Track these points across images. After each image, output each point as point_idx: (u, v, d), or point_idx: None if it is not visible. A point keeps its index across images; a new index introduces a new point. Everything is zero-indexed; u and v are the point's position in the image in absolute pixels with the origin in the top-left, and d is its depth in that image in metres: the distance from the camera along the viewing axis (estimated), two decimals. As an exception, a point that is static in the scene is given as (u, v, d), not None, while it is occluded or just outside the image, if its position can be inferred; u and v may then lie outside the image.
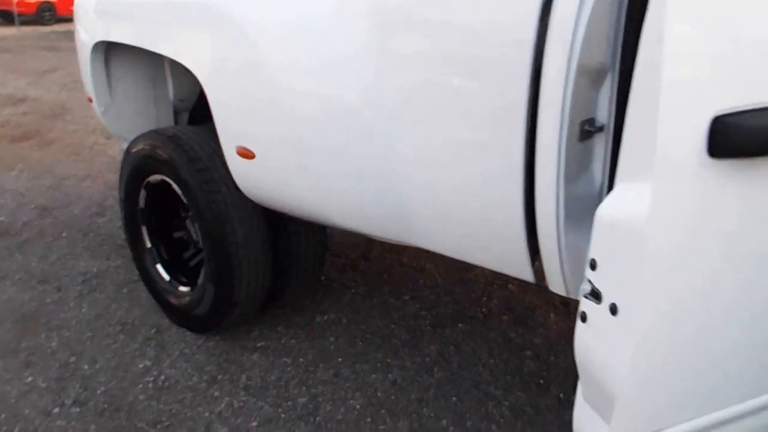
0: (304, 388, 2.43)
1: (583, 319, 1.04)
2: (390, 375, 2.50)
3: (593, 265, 1.00)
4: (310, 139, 1.98)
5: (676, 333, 0.99)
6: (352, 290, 3.10)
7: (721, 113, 0.91)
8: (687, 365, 1.04)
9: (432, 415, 2.30)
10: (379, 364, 2.56)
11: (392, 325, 2.81)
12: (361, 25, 1.81)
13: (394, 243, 2.27)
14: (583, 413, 1.13)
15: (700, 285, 0.99)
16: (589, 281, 1.02)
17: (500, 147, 1.57)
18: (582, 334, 1.06)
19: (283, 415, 2.29)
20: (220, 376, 2.48)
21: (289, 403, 2.35)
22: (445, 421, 2.28)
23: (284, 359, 2.58)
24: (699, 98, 0.91)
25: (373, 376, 2.49)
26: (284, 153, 2.05)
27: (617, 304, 0.96)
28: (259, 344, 2.67)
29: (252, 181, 2.21)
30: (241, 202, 2.34)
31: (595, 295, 1.01)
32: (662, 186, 0.91)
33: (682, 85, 0.90)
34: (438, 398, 2.39)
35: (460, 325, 2.83)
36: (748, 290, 1.04)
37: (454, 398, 2.39)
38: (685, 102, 0.90)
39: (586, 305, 1.03)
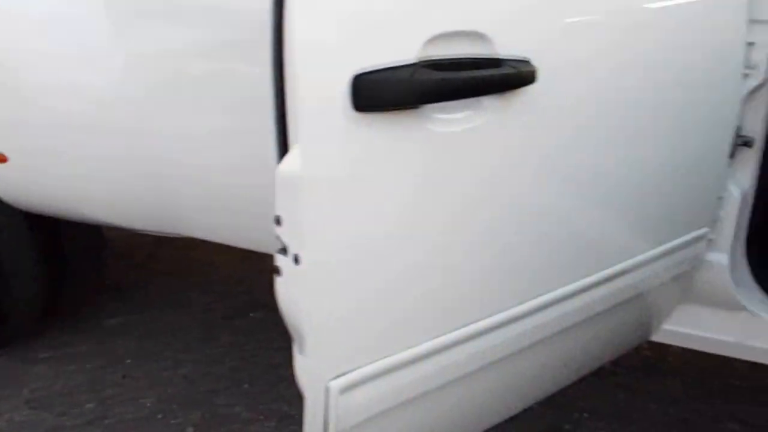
0: (92, 393, 2.39)
1: (278, 273, 1.15)
2: (181, 370, 2.52)
3: (278, 221, 1.11)
4: (63, 136, 1.96)
5: (353, 277, 1.11)
6: (142, 290, 3.08)
7: (361, 71, 1.02)
8: (368, 307, 1.15)
9: (224, 403, 2.35)
10: (170, 360, 2.57)
11: (183, 321, 2.83)
12: (101, 16, 1.82)
13: (167, 235, 2.29)
14: (298, 361, 1.24)
15: (369, 230, 1.10)
16: (278, 237, 1.12)
17: (254, 127, 1.62)
18: (278, 287, 1.17)
19: (69, 423, 2.25)
20: (-1, 393, 2.38)
21: (77, 410, 2.30)
22: (237, 408, 2.33)
23: (70, 367, 2.52)
24: (338, 57, 1.01)
25: (164, 373, 2.50)
26: (37, 152, 2.01)
27: (299, 254, 1.07)
28: (41, 356, 2.58)
29: (9, 185, 2.15)
30: (2, 209, 2.26)
31: (284, 250, 1.12)
32: (313, 140, 1.00)
33: (317, 45, 0.98)
34: (230, 387, 2.44)
35: (251, 314, 2.90)
36: (418, 232, 1.17)
37: (246, 385, 2.45)
38: (323, 61, 0.99)
39: (278, 260, 1.14)
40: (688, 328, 1.93)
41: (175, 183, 1.93)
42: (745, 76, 1.68)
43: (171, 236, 2.42)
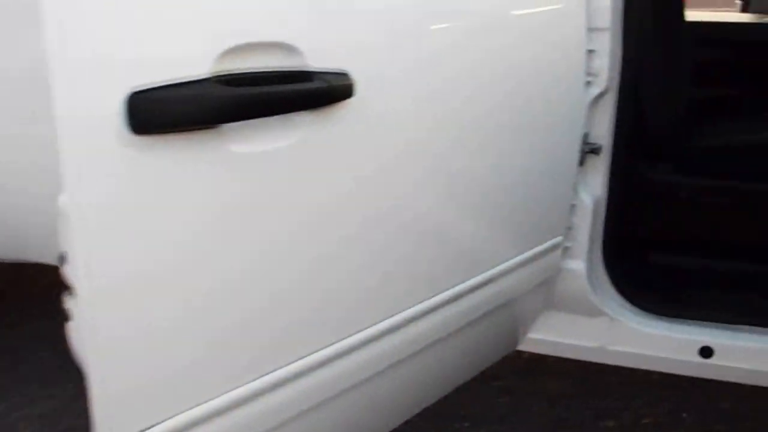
0: None
1: (68, 317, 1.03)
2: (36, 409, 2.32)
3: (63, 259, 0.98)
4: None
5: (144, 322, 0.99)
6: (-3, 322, 2.85)
7: (138, 88, 0.90)
8: (166, 354, 1.03)
9: (85, 440, 2.19)
10: (23, 398, 2.37)
11: (42, 352, 2.62)
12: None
13: (14, 261, 2.13)
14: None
15: (163, 267, 0.99)
16: (65, 277, 1.00)
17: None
18: (69, 331, 1.05)
19: None
20: None
21: None
22: (99, 443, 2.17)
23: None
24: (109, 72, 0.89)
25: (15, 414, 2.30)
26: None
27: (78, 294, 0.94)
28: None
29: None
30: None
31: (70, 291, 0.99)
32: (83, 168, 0.89)
33: (81, 57, 0.87)
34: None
35: (119, 341, 2.72)
36: (224, 265, 1.06)
37: (111, 418, 2.28)
38: (89, 76, 0.87)
39: (68, 302, 1.02)
40: (553, 335, 1.92)
41: (22, 203, 1.78)
42: (588, 83, 1.67)
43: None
